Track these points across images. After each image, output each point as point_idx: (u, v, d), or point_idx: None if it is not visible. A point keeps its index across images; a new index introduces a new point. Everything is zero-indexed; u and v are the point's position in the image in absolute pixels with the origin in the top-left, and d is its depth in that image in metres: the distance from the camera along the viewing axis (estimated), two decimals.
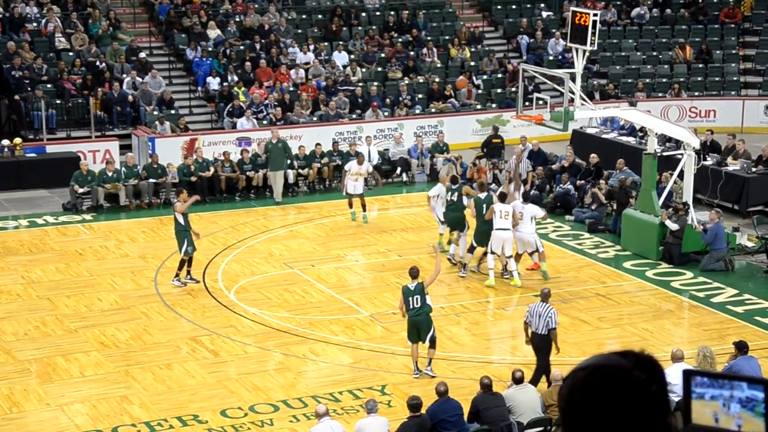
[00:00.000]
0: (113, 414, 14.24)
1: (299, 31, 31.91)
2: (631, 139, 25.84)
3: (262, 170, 24.67)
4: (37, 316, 17.67)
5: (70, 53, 29.08)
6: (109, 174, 23.82)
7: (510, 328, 17.76)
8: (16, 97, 27.48)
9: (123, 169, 24.33)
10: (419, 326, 15.01)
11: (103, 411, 14.32)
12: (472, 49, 32.31)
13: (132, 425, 13.95)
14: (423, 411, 12.69)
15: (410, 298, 14.95)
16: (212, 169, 24.58)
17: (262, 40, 30.70)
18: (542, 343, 14.45)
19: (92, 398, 14.69)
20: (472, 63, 31.69)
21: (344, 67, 30.61)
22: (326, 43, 31.27)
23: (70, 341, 16.64)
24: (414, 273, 15.22)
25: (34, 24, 29.80)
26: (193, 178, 24.39)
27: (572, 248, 21.36)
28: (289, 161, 24.69)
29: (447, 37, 32.57)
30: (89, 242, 21.60)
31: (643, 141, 23.83)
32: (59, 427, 13.89)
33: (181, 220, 18.71)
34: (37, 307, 18.09)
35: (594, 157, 24.13)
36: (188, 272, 19.01)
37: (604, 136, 26.56)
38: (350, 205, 22.64)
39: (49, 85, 27.81)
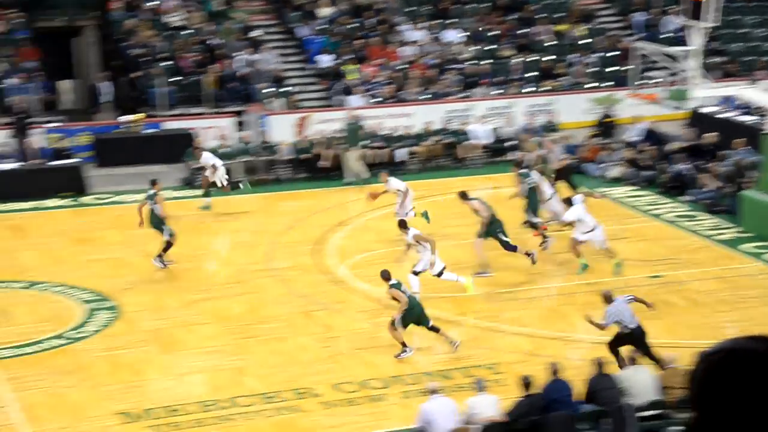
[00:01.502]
0: (230, 385, 14.57)
1: (411, 8, 31.89)
2: (750, 119, 25.13)
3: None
4: (157, 287, 18.18)
5: (187, 31, 29.66)
6: (223, 150, 24.26)
7: None
8: (135, 74, 28.18)
9: (237, 145, 24.74)
10: (423, 309, 15.29)
11: (220, 382, 14.66)
12: (586, 27, 31.78)
13: (248, 396, 14.25)
14: (535, 390, 12.65)
15: (402, 291, 15.21)
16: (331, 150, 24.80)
17: (374, 18, 30.78)
18: (643, 336, 14.21)
19: (209, 369, 15.05)
20: (588, 40, 31.17)
21: (456, 44, 30.49)
22: (438, 21, 31.17)
23: (188, 313, 17.07)
24: (386, 275, 15.41)
25: (154, 2, 30.47)
26: (305, 156, 24.67)
27: (688, 229, 20.92)
28: (362, 141, 24.71)
29: (559, 15, 32.11)
30: (206, 216, 22.06)
31: (762, 120, 23.14)
32: (179, 396, 14.27)
33: (161, 212, 18.87)
34: (157, 278, 18.60)
35: (711, 137, 23.54)
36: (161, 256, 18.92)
37: (722, 115, 25.89)
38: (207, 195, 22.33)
39: (166, 63, 28.44)
